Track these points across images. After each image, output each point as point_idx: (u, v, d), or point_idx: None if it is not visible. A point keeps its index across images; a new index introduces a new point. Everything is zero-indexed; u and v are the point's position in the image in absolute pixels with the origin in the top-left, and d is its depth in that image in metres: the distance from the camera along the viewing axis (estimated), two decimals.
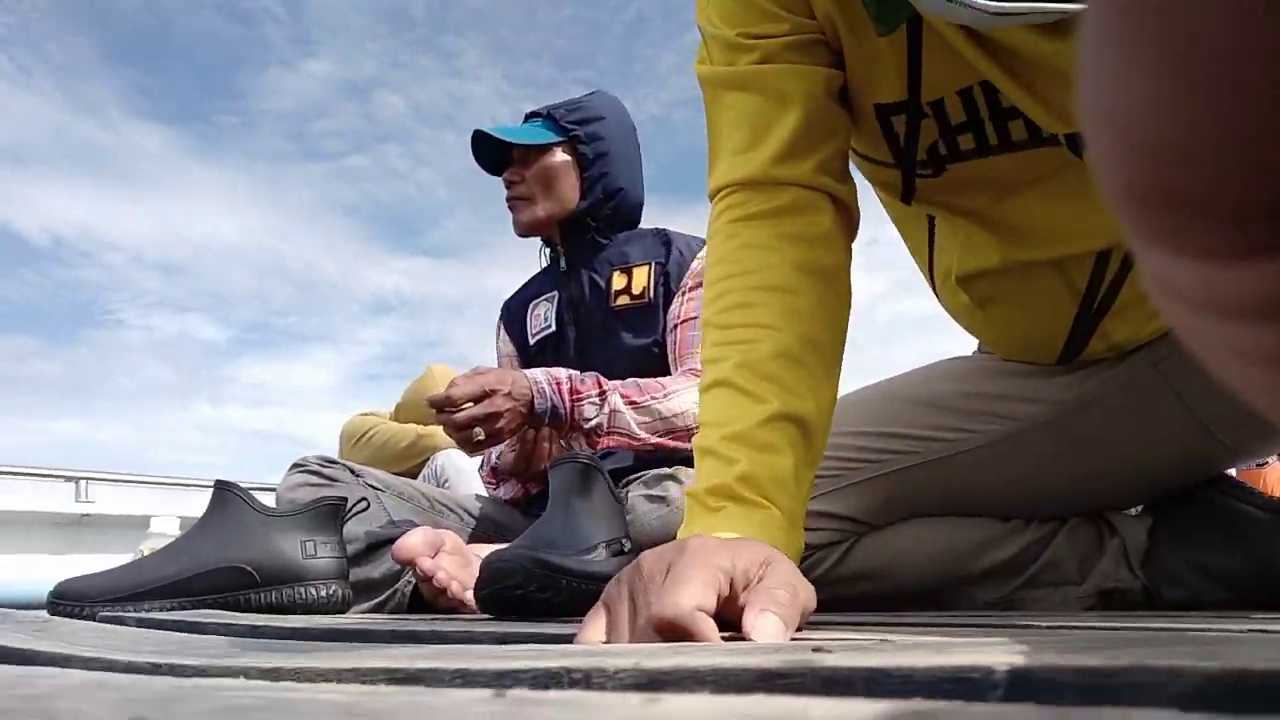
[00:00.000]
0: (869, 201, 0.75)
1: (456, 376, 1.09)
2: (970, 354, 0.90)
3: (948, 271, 0.78)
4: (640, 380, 1.15)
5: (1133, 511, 0.87)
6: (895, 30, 0.62)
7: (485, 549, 0.85)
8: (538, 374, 1.10)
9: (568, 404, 1.09)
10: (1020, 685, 0.21)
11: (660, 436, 1.13)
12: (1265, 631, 0.42)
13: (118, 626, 0.60)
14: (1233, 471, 0.92)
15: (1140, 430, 0.77)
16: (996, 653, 0.24)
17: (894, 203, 0.77)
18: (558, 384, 1.10)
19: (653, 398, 1.13)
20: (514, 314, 1.41)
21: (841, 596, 0.82)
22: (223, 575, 0.81)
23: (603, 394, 1.11)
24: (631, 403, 1.12)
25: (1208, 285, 0.10)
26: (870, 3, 0.61)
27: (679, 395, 1.14)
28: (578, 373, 1.13)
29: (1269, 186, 0.09)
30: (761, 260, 0.62)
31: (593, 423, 1.10)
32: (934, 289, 0.84)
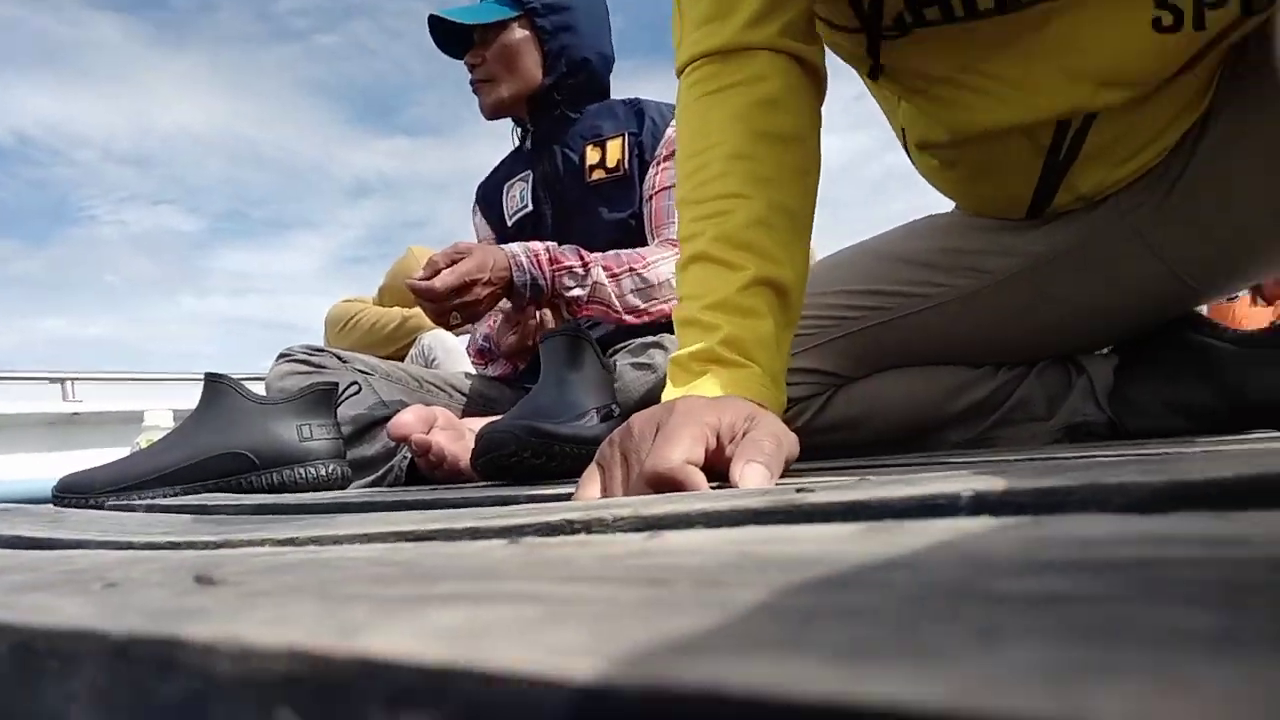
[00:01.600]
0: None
1: (435, 255, 1.08)
2: (948, 210, 0.90)
3: (916, 136, 0.78)
4: (621, 251, 1.15)
5: (1102, 352, 0.90)
6: None
7: (477, 422, 0.87)
8: (516, 248, 1.10)
9: (548, 275, 1.09)
10: (982, 507, 0.23)
11: (642, 306, 1.14)
12: (1214, 451, 0.45)
13: (127, 514, 0.63)
14: (1204, 309, 0.95)
15: (1110, 278, 0.79)
16: (962, 481, 0.26)
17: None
18: (536, 256, 1.09)
19: (633, 268, 1.13)
20: (489, 197, 1.39)
21: (820, 445, 0.85)
22: (223, 461, 0.83)
23: (585, 265, 1.11)
24: (613, 275, 1.12)
25: None
26: None
27: (658, 265, 1.14)
28: (556, 244, 1.12)
29: None
30: (731, 131, 0.62)
31: (573, 293, 1.11)
32: (906, 151, 0.84)
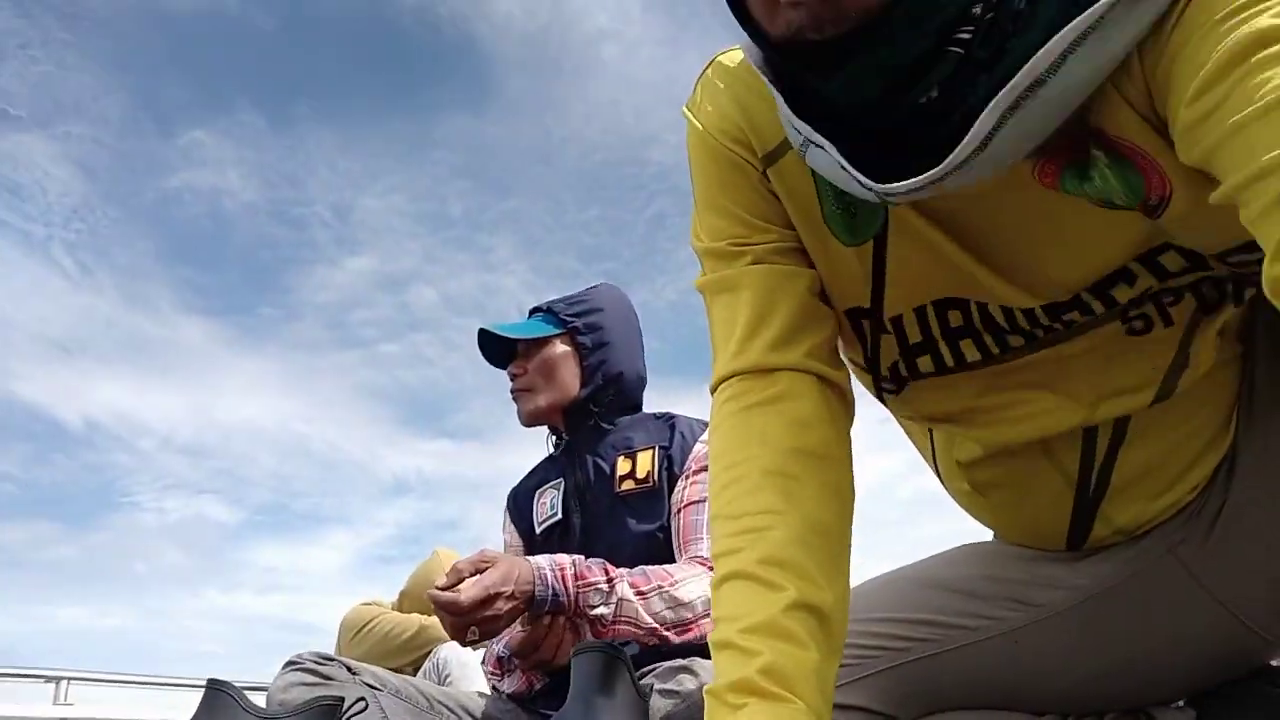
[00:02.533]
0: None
1: (460, 563, 1.06)
2: (988, 540, 0.88)
3: (949, 459, 0.79)
4: (648, 568, 1.12)
5: (1177, 705, 0.82)
6: (864, 243, 0.66)
7: None
8: (542, 561, 1.08)
9: (571, 592, 1.06)
10: None
11: (669, 628, 1.09)
12: None
13: None
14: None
15: (1164, 618, 0.73)
16: None
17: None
18: (561, 570, 1.07)
19: (661, 586, 1.10)
20: (520, 503, 1.41)
21: None
22: None
23: (610, 581, 1.08)
24: (640, 592, 1.09)
25: None
26: (838, 216, 0.66)
27: (687, 584, 1.11)
28: (583, 559, 1.10)
29: None
30: (763, 448, 0.63)
31: (598, 611, 1.07)
32: (940, 478, 0.84)
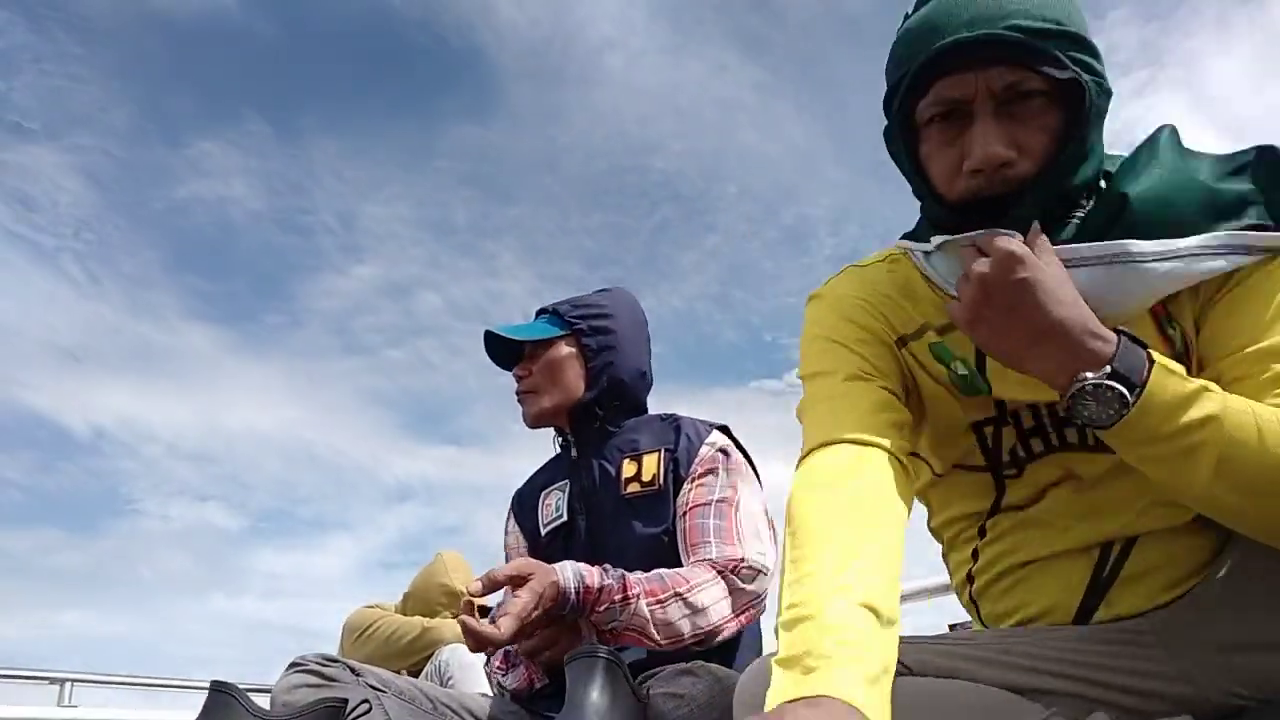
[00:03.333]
0: None
1: (496, 572, 1.03)
2: None
3: (993, 553, 0.85)
4: (665, 573, 1.11)
5: None
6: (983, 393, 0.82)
7: None
8: (570, 580, 1.05)
9: (587, 607, 1.06)
10: None
11: (688, 632, 1.08)
12: None
13: None
14: None
15: (1129, 668, 0.76)
16: None
17: (947, 527, 0.91)
18: (586, 592, 1.05)
19: (679, 592, 1.09)
20: (525, 504, 1.40)
21: None
22: None
23: (627, 598, 1.06)
24: (658, 600, 1.07)
25: None
26: (963, 379, 0.82)
27: (704, 589, 1.10)
28: (612, 582, 1.07)
29: None
30: (844, 497, 0.69)
31: (608, 626, 1.06)
32: (969, 582, 0.89)
